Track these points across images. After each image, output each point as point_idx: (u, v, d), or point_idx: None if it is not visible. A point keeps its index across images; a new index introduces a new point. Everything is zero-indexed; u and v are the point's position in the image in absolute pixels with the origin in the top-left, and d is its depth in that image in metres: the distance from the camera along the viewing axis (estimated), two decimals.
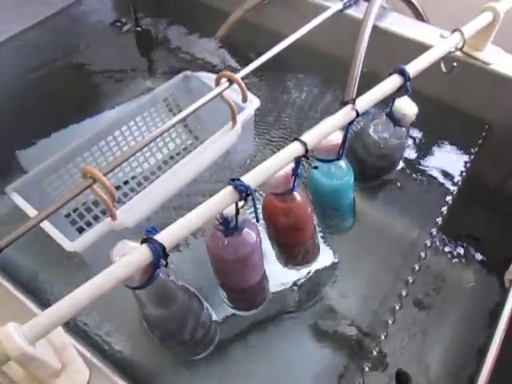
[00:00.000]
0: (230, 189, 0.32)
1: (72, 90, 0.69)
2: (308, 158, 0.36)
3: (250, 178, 0.33)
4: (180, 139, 0.62)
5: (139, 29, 0.75)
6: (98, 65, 0.71)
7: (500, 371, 0.37)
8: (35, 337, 0.25)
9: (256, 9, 0.66)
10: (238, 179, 0.32)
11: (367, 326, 0.47)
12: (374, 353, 0.47)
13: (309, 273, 0.49)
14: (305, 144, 0.35)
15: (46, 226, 0.43)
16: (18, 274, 0.40)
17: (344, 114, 0.38)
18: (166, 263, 0.31)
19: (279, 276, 0.48)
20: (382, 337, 0.47)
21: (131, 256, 0.29)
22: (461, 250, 0.57)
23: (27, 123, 0.63)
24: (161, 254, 0.29)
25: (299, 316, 0.47)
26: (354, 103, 0.38)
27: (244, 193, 0.32)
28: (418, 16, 0.63)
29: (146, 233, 0.30)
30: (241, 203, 0.33)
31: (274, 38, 0.55)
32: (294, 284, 0.48)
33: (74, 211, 0.54)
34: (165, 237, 0.30)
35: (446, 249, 0.56)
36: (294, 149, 0.35)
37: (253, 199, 0.32)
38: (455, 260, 0.56)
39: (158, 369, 0.41)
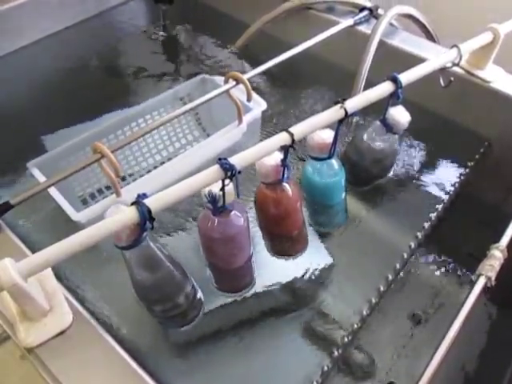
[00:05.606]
0: (216, 166, 0.35)
1: (101, 86, 0.75)
2: (294, 149, 0.39)
3: (236, 159, 0.36)
4: (192, 136, 0.66)
5: (166, 35, 0.82)
6: (127, 65, 0.77)
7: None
8: (28, 272, 0.29)
9: (274, 22, 0.71)
10: (225, 159, 0.36)
11: (355, 326, 0.48)
12: (362, 357, 0.49)
13: (304, 271, 0.51)
14: (292, 134, 0.38)
15: (58, 197, 0.47)
16: (25, 235, 0.44)
17: (333, 111, 0.40)
18: (152, 227, 0.34)
19: (271, 270, 0.51)
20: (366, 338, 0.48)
21: (121, 214, 0.32)
22: (458, 267, 0.58)
23: (58, 113, 0.68)
24: (147, 215, 0.32)
25: (287, 311, 0.49)
26: (343, 103, 0.41)
27: (229, 171, 0.35)
28: (428, 35, 0.66)
29: (137, 197, 0.34)
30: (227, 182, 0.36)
31: (288, 49, 0.58)
32: (285, 280, 0.50)
33: (89, 194, 0.58)
34: (152, 201, 0.33)
35: (444, 264, 0.57)
36: (281, 138, 0.38)
37: (236, 178, 0.36)
38: (451, 276, 0.57)
39: (142, 334, 0.44)
